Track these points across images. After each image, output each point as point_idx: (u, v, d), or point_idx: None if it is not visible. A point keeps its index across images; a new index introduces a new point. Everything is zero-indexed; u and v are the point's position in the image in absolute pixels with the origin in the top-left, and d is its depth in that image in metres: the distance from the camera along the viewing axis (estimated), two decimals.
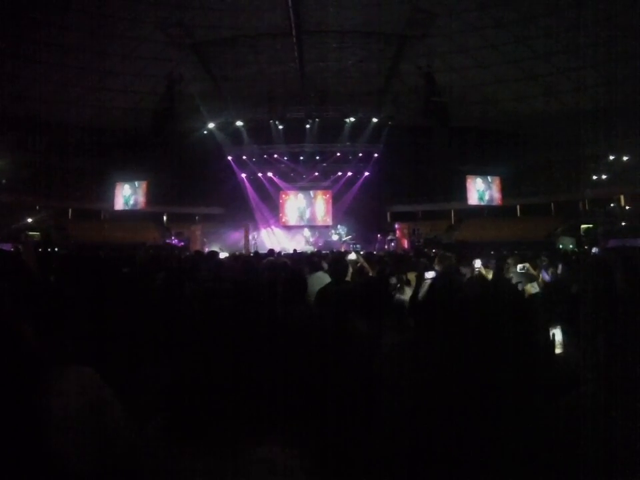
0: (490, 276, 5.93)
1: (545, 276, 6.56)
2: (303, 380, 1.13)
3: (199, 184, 31.56)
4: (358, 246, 23.79)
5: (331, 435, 1.18)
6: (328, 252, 14.78)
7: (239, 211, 29.67)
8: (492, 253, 11.48)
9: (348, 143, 28.23)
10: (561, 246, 21.26)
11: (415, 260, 8.31)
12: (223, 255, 10.55)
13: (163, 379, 1.98)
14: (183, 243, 25.11)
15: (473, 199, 31.36)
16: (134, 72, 28.38)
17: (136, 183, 32.09)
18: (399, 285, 5.15)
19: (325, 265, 6.66)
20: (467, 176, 31.23)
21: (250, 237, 26.57)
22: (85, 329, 1.97)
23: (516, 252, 10.37)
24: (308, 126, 26.86)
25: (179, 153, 29.14)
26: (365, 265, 7.10)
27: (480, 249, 16.33)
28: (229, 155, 29.28)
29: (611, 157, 27.81)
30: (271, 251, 10.00)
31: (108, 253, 13.50)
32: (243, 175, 30.02)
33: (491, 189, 31.44)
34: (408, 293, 4.90)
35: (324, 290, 4.34)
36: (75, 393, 1.53)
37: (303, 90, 25.50)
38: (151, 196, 32.02)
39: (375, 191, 30.33)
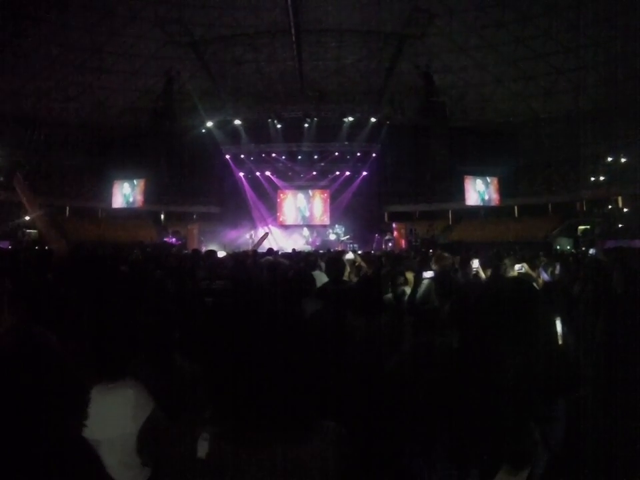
0: (487, 276, 5.94)
1: (545, 276, 6.55)
2: (303, 378, 1.13)
3: (197, 182, 31.53)
4: (355, 245, 23.78)
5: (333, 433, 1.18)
6: (325, 251, 14.78)
7: (236, 209, 29.64)
8: (489, 253, 11.48)
9: (346, 142, 28.22)
10: (558, 247, 21.30)
11: (413, 260, 8.31)
12: (221, 254, 10.53)
13: (163, 378, 1.99)
14: (179, 242, 25.00)
15: (470, 199, 31.35)
16: (132, 70, 28.35)
17: (134, 181, 32.01)
18: (397, 287, 5.14)
19: (323, 265, 6.66)
20: (465, 176, 31.21)
21: (248, 236, 26.52)
22: (84, 327, 1.96)
23: (512, 252, 10.38)
24: (306, 125, 26.84)
25: (176, 151, 29.13)
26: (363, 264, 7.11)
27: (477, 249, 16.35)
28: (227, 153, 29.24)
29: (609, 158, 27.83)
30: (270, 250, 10.00)
31: (105, 251, 13.46)
32: (241, 174, 29.97)
33: (489, 189, 31.44)
34: (407, 293, 4.90)
35: (322, 289, 4.35)
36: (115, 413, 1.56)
37: (301, 89, 25.50)
38: (148, 194, 31.91)
39: (373, 190, 30.33)
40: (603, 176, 27.80)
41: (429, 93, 22.72)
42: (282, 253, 10.68)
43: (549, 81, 28.22)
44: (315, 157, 29.42)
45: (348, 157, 29.41)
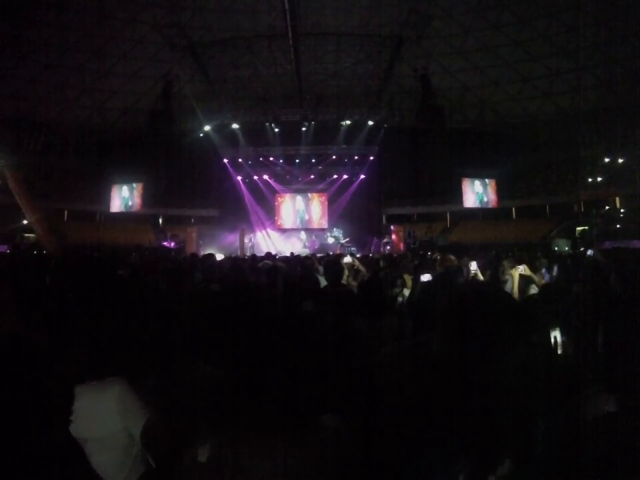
0: (486, 278, 5.94)
1: (547, 277, 6.57)
2: (302, 380, 1.12)
3: (195, 186, 31.55)
4: (353, 249, 23.76)
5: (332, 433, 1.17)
6: (323, 255, 14.76)
7: (234, 213, 29.64)
8: (488, 255, 11.48)
9: (344, 146, 28.22)
10: (556, 248, 21.32)
11: (411, 262, 8.31)
12: (219, 257, 10.52)
13: (163, 379, 1.98)
14: (177, 246, 24.95)
15: (468, 201, 31.41)
16: (130, 73, 28.40)
17: (133, 185, 32.02)
18: (396, 289, 5.14)
19: (321, 268, 6.66)
20: (463, 178, 31.28)
21: (246, 240, 26.50)
22: (83, 330, 1.96)
23: (511, 254, 10.37)
24: (304, 128, 26.83)
25: (175, 154, 29.14)
26: (361, 267, 7.11)
27: (476, 251, 16.36)
28: (225, 157, 29.25)
29: (607, 159, 27.90)
30: (269, 254, 10.00)
31: (102, 254, 13.44)
32: (239, 178, 29.99)
33: (487, 191, 31.50)
34: (406, 295, 4.91)
35: (321, 292, 4.34)
36: (102, 411, 1.55)
37: (299, 92, 25.49)
38: (146, 198, 31.95)
39: (371, 193, 30.36)
40: (601, 177, 27.87)
41: (427, 95, 22.72)
42: (280, 257, 10.65)
43: (547, 82, 28.32)
44: (313, 160, 29.43)
45: (346, 160, 29.44)
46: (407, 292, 5.05)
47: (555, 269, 6.96)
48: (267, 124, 26.75)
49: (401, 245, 26.14)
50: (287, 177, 30.34)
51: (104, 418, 1.61)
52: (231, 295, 3.33)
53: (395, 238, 27.16)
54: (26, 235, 23.90)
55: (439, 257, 7.74)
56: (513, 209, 32.06)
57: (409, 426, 1.27)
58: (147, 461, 1.63)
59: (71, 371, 1.37)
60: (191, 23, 24.85)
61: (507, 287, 5.42)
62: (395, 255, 13.79)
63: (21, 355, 1.06)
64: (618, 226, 24.41)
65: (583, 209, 29.10)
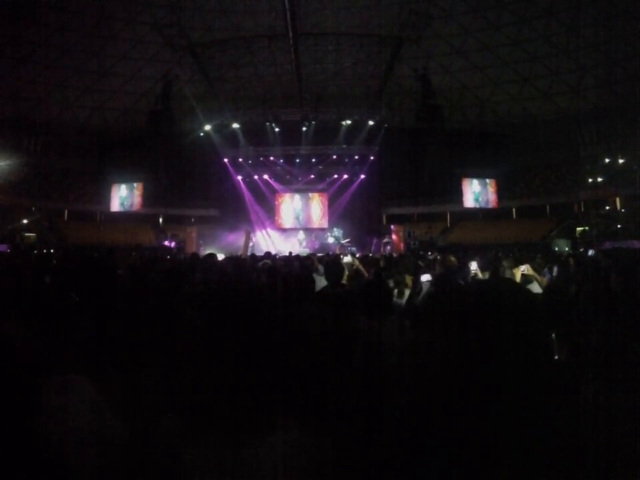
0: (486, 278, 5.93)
1: (548, 277, 6.56)
2: (303, 381, 1.12)
3: (195, 186, 31.57)
4: (353, 249, 23.76)
5: (333, 433, 1.17)
6: (323, 254, 14.73)
7: (234, 213, 29.65)
8: (488, 255, 11.48)
9: (344, 146, 28.20)
10: (556, 248, 21.33)
11: (411, 262, 8.30)
12: (220, 257, 10.51)
13: (165, 378, 1.98)
14: (177, 246, 24.92)
15: (468, 201, 31.41)
16: (130, 73, 28.41)
17: (133, 185, 32.04)
18: (396, 290, 5.13)
19: (320, 268, 6.63)
20: (463, 178, 31.29)
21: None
22: (82, 330, 1.96)
23: (511, 254, 10.38)
24: (304, 128, 26.80)
25: (175, 154, 29.14)
26: (361, 267, 7.09)
27: (476, 251, 16.36)
28: (225, 157, 29.23)
29: (607, 159, 27.89)
30: (268, 254, 9.98)
31: (102, 254, 13.43)
32: (239, 177, 29.98)
33: (487, 191, 31.49)
34: (406, 295, 4.89)
35: (321, 293, 4.33)
36: (71, 406, 1.53)
37: (299, 92, 25.47)
38: (146, 197, 31.97)
39: (371, 193, 30.36)
40: (601, 177, 27.85)
41: (427, 95, 22.69)
42: (279, 257, 10.64)
43: (547, 82, 28.33)
44: (313, 160, 29.42)
45: (346, 159, 29.42)
46: (407, 292, 5.03)
47: (555, 268, 6.95)
48: (267, 124, 26.73)
49: (401, 245, 26.15)
50: (287, 176, 30.34)
51: (73, 414, 1.58)
52: (231, 295, 3.32)
53: (395, 238, 27.18)
54: (26, 234, 23.90)
55: (438, 257, 7.73)
56: (513, 209, 32.06)
57: (411, 424, 1.27)
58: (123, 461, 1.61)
59: (38, 365, 1.36)
60: (190, 23, 24.88)
61: None
62: (395, 255, 13.79)
63: None
64: (618, 226, 24.42)
65: (583, 209, 29.11)
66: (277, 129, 26.84)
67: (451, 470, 1.13)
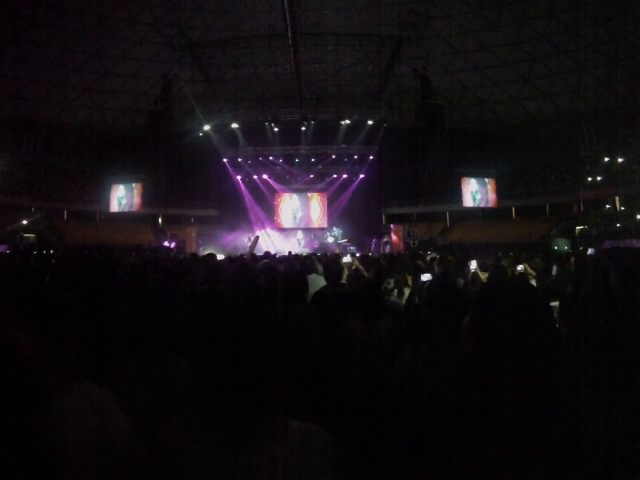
0: (485, 277, 5.94)
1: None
2: (303, 380, 1.12)
3: (194, 186, 31.55)
4: (353, 248, 23.73)
5: (331, 433, 1.17)
6: (321, 254, 14.72)
7: (234, 213, 29.65)
8: (488, 254, 11.49)
9: (343, 145, 28.19)
10: (556, 247, 21.33)
11: (411, 262, 8.29)
12: (220, 257, 10.49)
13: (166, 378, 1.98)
14: (176, 246, 24.83)
15: (468, 200, 31.41)
16: (130, 73, 28.39)
17: (132, 185, 32.04)
18: (396, 290, 5.13)
19: (320, 268, 6.63)
20: (462, 178, 31.28)
21: (246, 239, 26.45)
22: (84, 330, 1.96)
23: (511, 253, 10.39)
24: (303, 128, 26.77)
25: (174, 154, 29.11)
26: (360, 267, 7.09)
27: (475, 250, 16.38)
28: (224, 156, 29.21)
29: (606, 159, 27.89)
30: (267, 254, 9.97)
31: (102, 254, 13.44)
32: (238, 177, 29.96)
33: (486, 191, 31.49)
34: (406, 295, 4.89)
35: (320, 293, 4.33)
36: (79, 412, 1.52)
37: (298, 92, 25.47)
38: (146, 197, 31.98)
39: (370, 193, 30.38)
40: (600, 176, 27.85)
41: (426, 95, 22.67)
42: (278, 257, 10.62)
43: (547, 82, 28.33)
44: (313, 159, 29.41)
45: (345, 159, 29.42)
46: (407, 291, 5.04)
47: (555, 268, 6.96)
48: (267, 123, 26.70)
49: (401, 245, 26.12)
50: (287, 176, 30.34)
51: (80, 420, 1.57)
52: (239, 298, 3.32)
53: (394, 238, 27.15)
54: (26, 235, 23.88)
55: (437, 257, 7.74)
56: (513, 209, 32.05)
57: (412, 424, 1.27)
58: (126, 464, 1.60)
59: (45, 369, 1.36)
60: (190, 23, 24.88)
61: None
62: (395, 255, 13.77)
63: None
64: (617, 225, 24.43)
65: (582, 209, 29.10)
66: (276, 129, 26.82)
67: (450, 470, 1.14)
